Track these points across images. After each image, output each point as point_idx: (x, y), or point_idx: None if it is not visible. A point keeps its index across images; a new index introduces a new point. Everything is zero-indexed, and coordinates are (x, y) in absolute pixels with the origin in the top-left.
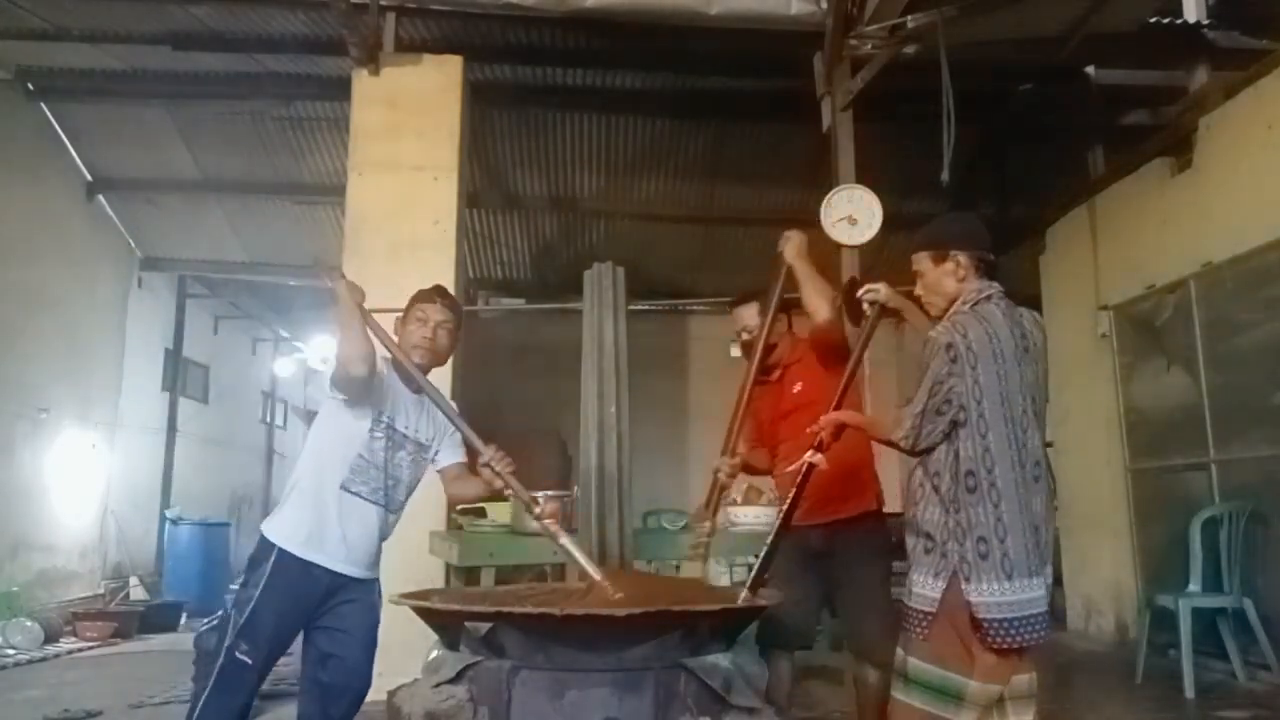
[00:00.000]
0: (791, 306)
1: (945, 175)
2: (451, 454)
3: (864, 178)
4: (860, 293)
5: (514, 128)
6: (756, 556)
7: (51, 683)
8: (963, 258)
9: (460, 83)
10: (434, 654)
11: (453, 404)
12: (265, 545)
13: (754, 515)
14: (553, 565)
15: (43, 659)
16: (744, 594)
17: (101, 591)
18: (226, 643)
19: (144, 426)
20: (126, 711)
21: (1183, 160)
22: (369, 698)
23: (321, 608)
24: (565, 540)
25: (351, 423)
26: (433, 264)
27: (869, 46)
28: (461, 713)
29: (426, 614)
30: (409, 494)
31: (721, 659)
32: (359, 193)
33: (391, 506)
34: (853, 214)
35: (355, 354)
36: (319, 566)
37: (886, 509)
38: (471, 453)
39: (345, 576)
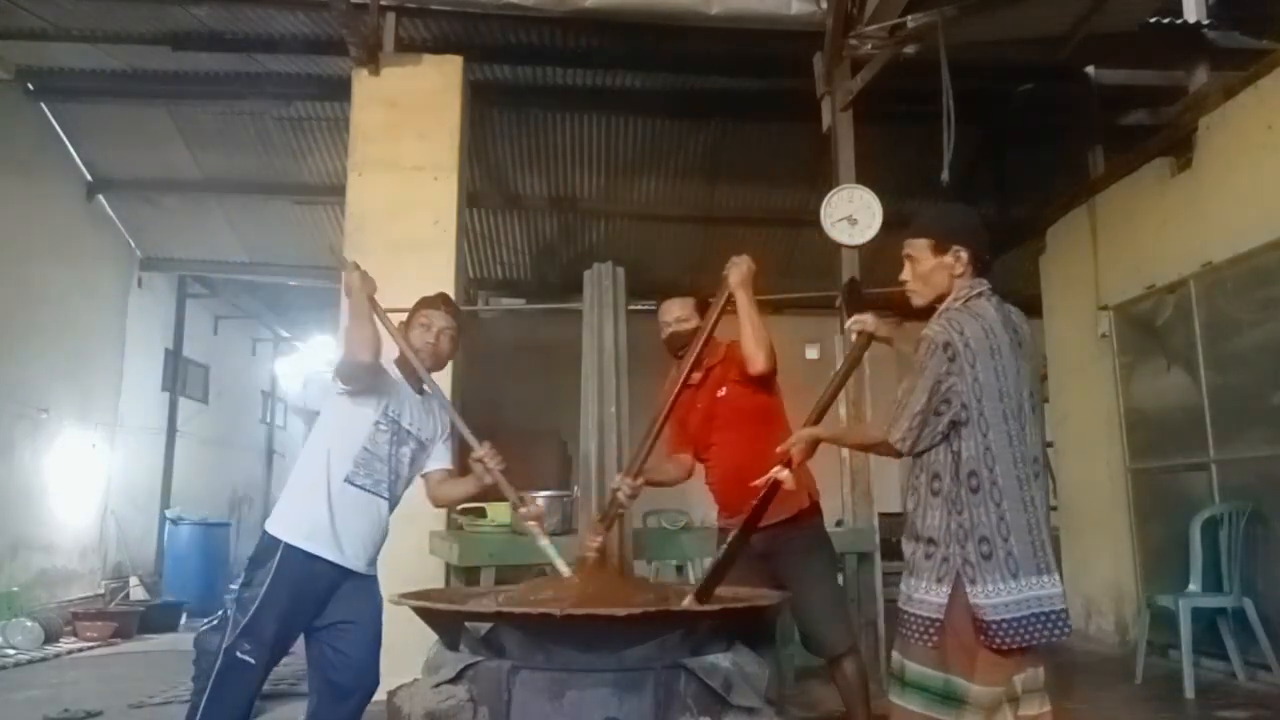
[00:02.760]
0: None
1: (945, 175)
2: (441, 459)
3: (864, 178)
4: (848, 324)
5: (514, 128)
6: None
7: (51, 683)
8: (964, 253)
9: (460, 83)
10: (434, 654)
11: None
12: (270, 542)
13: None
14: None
15: (43, 659)
16: (689, 600)
17: (101, 591)
18: (226, 643)
19: (144, 426)
20: (126, 711)
21: (1182, 160)
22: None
23: (324, 606)
24: (544, 543)
25: (356, 416)
26: (433, 264)
27: (869, 46)
28: (461, 713)
29: (426, 614)
30: (404, 490)
31: (721, 659)
32: (359, 193)
33: (392, 500)
34: (853, 214)
35: (363, 341)
36: (323, 561)
37: (884, 510)
38: (466, 449)
39: (348, 572)
